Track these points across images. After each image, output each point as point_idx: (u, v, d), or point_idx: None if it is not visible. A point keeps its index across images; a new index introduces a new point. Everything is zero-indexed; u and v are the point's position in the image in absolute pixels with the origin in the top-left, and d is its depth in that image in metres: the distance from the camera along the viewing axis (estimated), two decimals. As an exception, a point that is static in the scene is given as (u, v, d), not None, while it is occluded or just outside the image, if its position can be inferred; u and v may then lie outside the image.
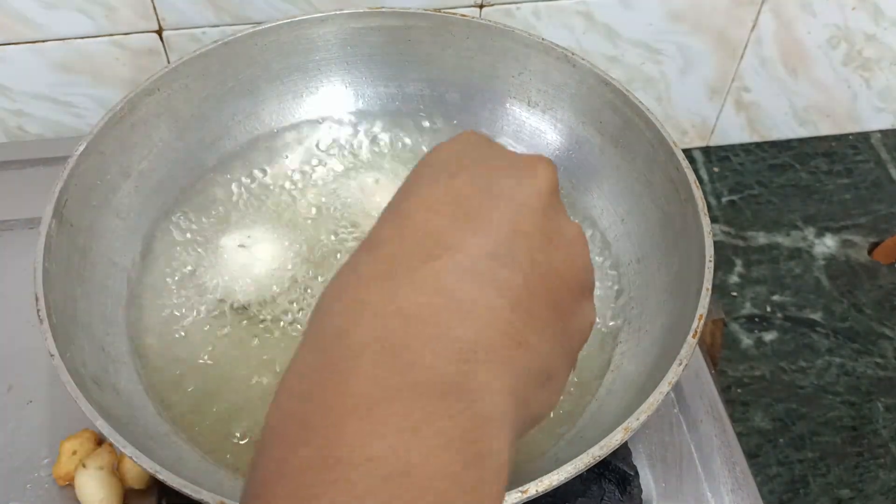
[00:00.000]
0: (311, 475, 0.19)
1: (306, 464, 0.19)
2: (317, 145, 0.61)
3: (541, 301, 0.24)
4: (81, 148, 0.50)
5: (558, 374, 0.26)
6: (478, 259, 0.23)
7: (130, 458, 0.38)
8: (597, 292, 0.53)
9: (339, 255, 0.55)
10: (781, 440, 0.69)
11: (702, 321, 0.43)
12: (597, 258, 0.55)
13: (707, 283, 0.45)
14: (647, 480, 0.50)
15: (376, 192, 0.58)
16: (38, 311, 0.43)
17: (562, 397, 0.48)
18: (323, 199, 0.57)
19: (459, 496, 0.19)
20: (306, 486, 0.19)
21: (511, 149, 0.29)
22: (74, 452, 0.49)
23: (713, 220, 0.81)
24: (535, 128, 0.60)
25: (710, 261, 0.46)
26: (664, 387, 0.40)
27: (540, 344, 0.24)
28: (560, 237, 0.26)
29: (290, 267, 0.54)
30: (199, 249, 0.54)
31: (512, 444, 0.22)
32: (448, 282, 0.22)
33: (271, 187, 0.58)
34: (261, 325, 0.51)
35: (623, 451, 0.49)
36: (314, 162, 0.60)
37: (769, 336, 0.74)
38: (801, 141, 0.88)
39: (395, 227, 0.24)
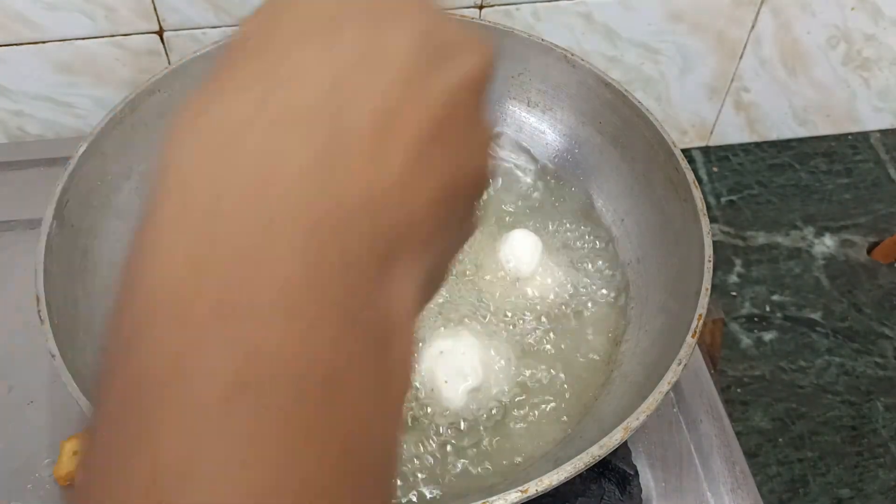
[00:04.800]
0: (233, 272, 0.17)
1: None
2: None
3: (448, 202, 0.20)
4: (82, 149, 0.50)
5: (441, 278, 0.22)
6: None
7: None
8: (598, 292, 0.54)
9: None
10: (781, 440, 0.69)
11: (701, 321, 0.43)
12: (597, 258, 0.56)
13: (706, 283, 0.45)
14: (647, 480, 0.50)
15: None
16: (39, 311, 0.43)
17: (560, 403, 0.49)
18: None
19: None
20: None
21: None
22: (75, 453, 0.49)
23: (712, 219, 0.81)
24: (534, 128, 0.60)
25: (710, 261, 0.46)
26: (664, 386, 0.40)
27: (438, 242, 0.21)
28: (475, 138, 0.21)
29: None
30: (200, 250, 0.55)
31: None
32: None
33: (271, 188, 0.58)
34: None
35: (623, 451, 0.49)
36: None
37: (769, 336, 0.74)
38: (801, 141, 0.89)
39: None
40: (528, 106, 0.60)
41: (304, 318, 0.17)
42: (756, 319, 0.75)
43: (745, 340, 0.74)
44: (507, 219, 0.57)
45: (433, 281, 0.21)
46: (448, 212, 0.20)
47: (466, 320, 0.51)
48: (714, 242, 0.47)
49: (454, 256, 0.23)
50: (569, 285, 0.53)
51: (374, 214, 0.18)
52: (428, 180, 0.19)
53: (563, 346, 0.51)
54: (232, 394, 0.16)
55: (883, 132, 0.89)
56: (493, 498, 0.37)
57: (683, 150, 0.51)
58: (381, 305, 0.18)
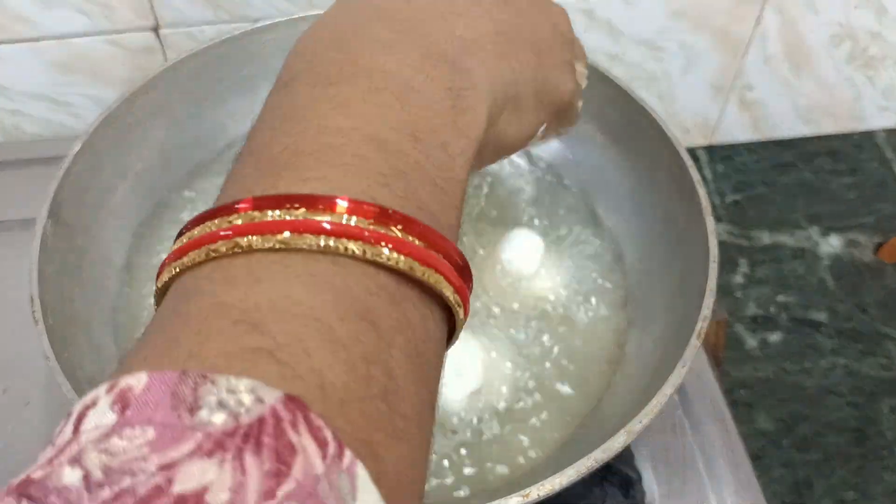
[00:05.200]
0: (334, 70, 0.24)
1: (331, 61, 0.25)
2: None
3: (523, 40, 0.29)
4: (77, 147, 0.49)
5: (527, 111, 0.30)
6: None
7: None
8: (600, 293, 0.53)
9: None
10: (785, 442, 0.68)
11: (706, 323, 0.43)
12: (599, 258, 0.55)
13: (711, 284, 0.44)
14: (650, 483, 0.50)
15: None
16: (34, 312, 0.42)
17: (562, 405, 0.48)
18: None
19: (444, 123, 0.24)
20: (329, 75, 0.24)
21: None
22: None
23: (717, 219, 0.80)
24: (536, 126, 0.60)
25: (714, 261, 0.45)
26: (667, 389, 0.40)
27: (517, 72, 0.28)
28: (546, 6, 0.31)
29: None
30: (197, 250, 0.54)
31: (481, 135, 0.26)
32: None
33: (270, 187, 0.58)
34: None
35: (626, 454, 0.48)
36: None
37: (773, 337, 0.74)
38: (805, 140, 0.88)
39: None
40: (530, 104, 0.59)
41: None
42: (760, 320, 0.75)
43: (750, 341, 0.73)
44: (507, 218, 0.56)
45: (506, 114, 0.28)
46: (512, 51, 0.28)
47: (467, 321, 0.50)
48: (718, 242, 0.46)
49: (530, 109, 0.30)
50: (570, 286, 0.53)
51: (450, 22, 0.27)
52: (486, 21, 0.28)
53: (564, 348, 0.50)
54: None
55: (888, 131, 0.89)
56: (495, 502, 0.37)
57: (687, 149, 0.51)
58: (463, 73, 0.26)
